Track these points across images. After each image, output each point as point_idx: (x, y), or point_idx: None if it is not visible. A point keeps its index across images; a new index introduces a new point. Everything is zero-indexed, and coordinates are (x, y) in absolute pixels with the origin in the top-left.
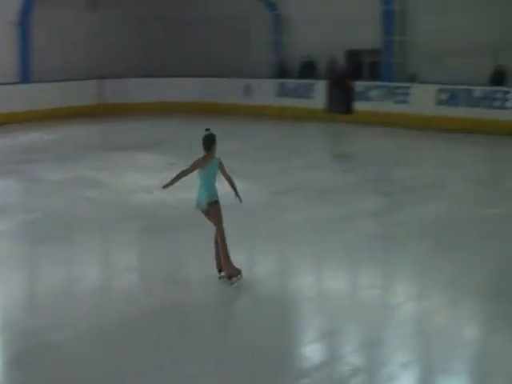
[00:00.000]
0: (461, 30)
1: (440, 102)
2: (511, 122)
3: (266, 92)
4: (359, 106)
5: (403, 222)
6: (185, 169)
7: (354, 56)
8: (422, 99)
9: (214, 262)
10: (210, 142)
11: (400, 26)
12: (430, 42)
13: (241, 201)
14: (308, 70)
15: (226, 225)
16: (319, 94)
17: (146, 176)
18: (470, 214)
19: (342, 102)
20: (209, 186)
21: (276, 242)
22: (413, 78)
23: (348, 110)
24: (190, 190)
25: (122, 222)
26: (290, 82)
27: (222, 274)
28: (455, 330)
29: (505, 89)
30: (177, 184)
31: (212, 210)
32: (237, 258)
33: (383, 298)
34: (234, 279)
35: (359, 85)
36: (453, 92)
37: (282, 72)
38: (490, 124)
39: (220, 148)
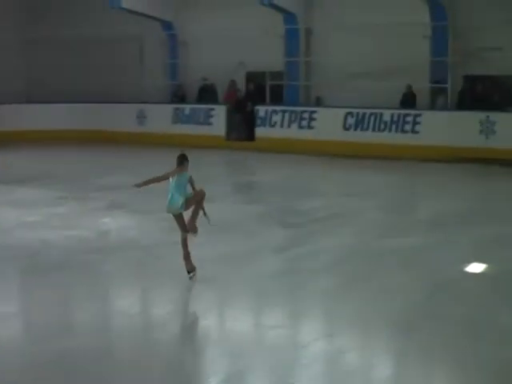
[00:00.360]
0: (369, 51)
1: (348, 127)
2: (423, 146)
3: (161, 118)
4: (262, 132)
5: (311, 255)
6: (159, 175)
7: (255, 78)
8: (329, 124)
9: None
10: (182, 158)
11: (305, 47)
12: (337, 64)
13: (209, 221)
14: (207, 94)
15: (120, 265)
16: (219, 119)
17: (29, 212)
18: (382, 245)
19: (242, 128)
20: (181, 193)
21: (174, 282)
22: (318, 102)
23: (249, 136)
24: (76, 228)
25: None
26: (188, 108)
27: (191, 275)
28: (367, 368)
29: (415, 112)
30: (60, 223)
31: (181, 216)
32: (131, 300)
33: (291, 337)
34: (191, 274)
35: (261, 109)
36: (361, 116)
37: (178, 97)
38: (400, 149)
39: (108, 182)
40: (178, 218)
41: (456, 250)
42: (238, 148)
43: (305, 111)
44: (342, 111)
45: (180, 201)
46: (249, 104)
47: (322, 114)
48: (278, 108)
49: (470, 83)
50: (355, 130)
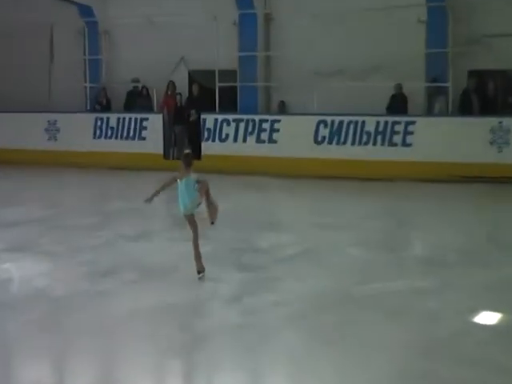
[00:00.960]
0: (347, 42)
1: (320, 140)
2: (416, 163)
3: (78, 132)
4: (210, 148)
5: (274, 306)
6: (166, 181)
7: (201, 79)
8: (296, 136)
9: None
10: (191, 158)
11: (264, 39)
12: (305, 60)
13: (213, 223)
14: (138, 99)
15: (29, 317)
16: (154, 133)
17: None
18: (364, 291)
19: (184, 143)
20: (193, 192)
21: (95, 341)
22: (282, 108)
23: (194, 154)
24: None
25: None
26: (113, 118)
27: (201, 275)
28: None
29: (407, 118)
30: None
31: (193, 216)
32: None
33: None
34: (201, 274)
35: (209, 119)
36: (337, 125)
37: (101, 104)
38: (388, 167)
39: (7, 216)
40: (191, 217)
41: (457, 296)
42: (177, 170)
43: (265, 120)
44: (313, 120)
45: (196, 199)
46: (192, 112)
47: (286, 123)
48: (230, 117)
49: (477, 80)
50: (330, 143)
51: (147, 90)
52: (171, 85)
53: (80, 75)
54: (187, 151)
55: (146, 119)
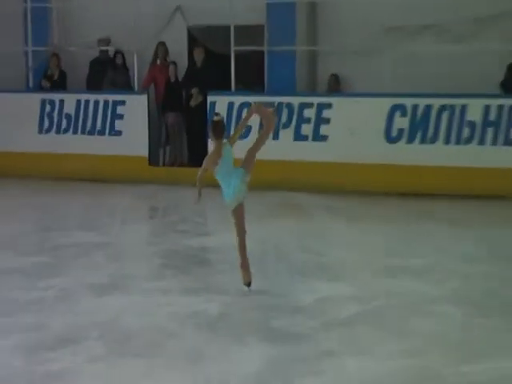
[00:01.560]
0: None
1: (395, 136)
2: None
3: (15, 123)
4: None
5: None
6: (200, 172)
7: (209, 40)
8: (357, 129)
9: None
10: (222, 125)
11: None
12: (369, 11)
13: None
14: (110, 72)
15: None
16: (134, 124)
17: None
18: (461, 376)
19: (181, 141)
20: (235, 170)
21: None
22: (335, 85)
23: (194, 158)
24: None
25: None
26: (71, 100)
27: (249, 289)
28: None
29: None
30: None
31: (242, 206)
32: None
33: None
34: (249, 288)
35: (220, 102)
36: (423, 112)
37: (49, 78)
38: (501, 177)
39: None
40: (239, 209)
41: None
42: (172, 181)
43: (307, 105)
44: (384, 103)
45: (243, 180)
46: (194, 92)
47: (341, 109)
48: (253, 99)
49: None
50: (410, 141)
51: (123, 56)
52: (161, 49)
53: (17, 33)
54: (218, 117)
55: (122, 103)
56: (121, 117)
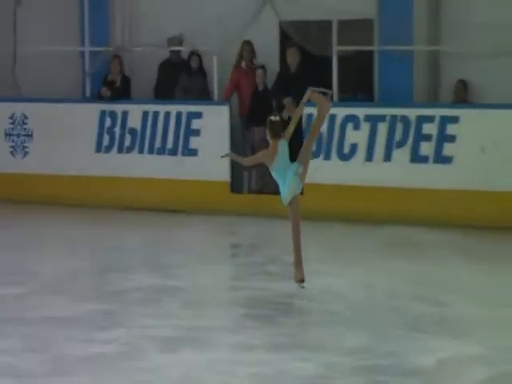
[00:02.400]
0: None
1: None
2: None
3: (68, 139)
4: (318, 172)
5: None
6: (246, 159)
7: (305, 39)
8: (493, 148)
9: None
10: (280, 128)
11: None
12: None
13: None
14: (182, 78)
15: None
16: (212, 141)
17: None
18: None
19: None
20: (291, 165)
21: None
22: (462, 94)
23: None
24: None
25: None
26: (135, 112)
27: (303, 285)
28: None
29: None
30: None
31: (296, 199)
32: None
33: None
34: (303, 284)
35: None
36: None
37: (110, 86)
38: None
39: None
40: (294, 202)
41: None
42: (259, 212)
43: (428, 118)
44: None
45: (297, 172)
46: (287, 102)
47: (471, 124)
48: (360, 111)
49: None
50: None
51: (200, 58)
52: (247, 50)
53: (71, 31)
54: (274, 117)
55: (198, 116)
56: (196, 133)
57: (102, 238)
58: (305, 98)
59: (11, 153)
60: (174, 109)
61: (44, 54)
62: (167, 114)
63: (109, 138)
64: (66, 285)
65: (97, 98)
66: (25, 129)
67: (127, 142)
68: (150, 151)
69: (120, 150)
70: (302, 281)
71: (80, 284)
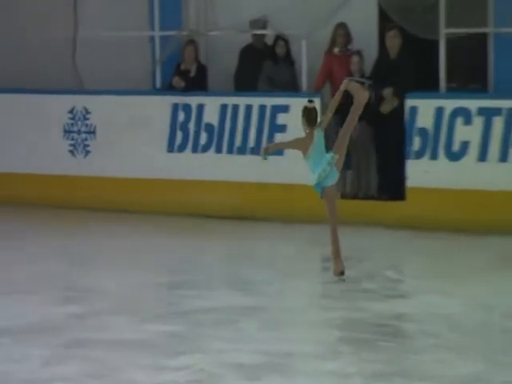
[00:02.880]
0: None
1: None
2: None
3: (135, 136)
4: (425, 173)
5: None
6: (285, 142)
7: (406, 20)
8: None
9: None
10: (316, 115)
11: None
12: None
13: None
14: (266, 65)
15: None
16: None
17: None
18: None
19: (368, 160)
20: (326, 159)
21: None
22: None
23: (390, 186)
24: None
25: None
26: (212, 105)
27: (343, 277)
28: None
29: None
30: None
31: (332, 190)
32: None
33: None
34: (343, 276)
35: (424, 108)
36: None
37: (184, 75)
38: None
39: None
40: (329, 193)
41: None
42: (354, 220)
43: None
44: None
45: (330, 161)
46: (387, 94)
47: None
48: (472, 103)
49: None
50: None
51: (286, 44)
52: (340, 33)
53: (140, 13)
54: (310, 104)
55: (285, 109)
56: (282, 129)
57: (172, 249)
58: (342, 87)
59: (71, 152)
60: (256, 101)
61: (108, 39)
62: (249, 108)
63: (182, 136)
64: (131, 303)
65: (168, 89)
66: (86, 125)
67: (203, 140)
68: (229, 150)
69: (195, 149)
70: (342, 273)
71: (146, 302)
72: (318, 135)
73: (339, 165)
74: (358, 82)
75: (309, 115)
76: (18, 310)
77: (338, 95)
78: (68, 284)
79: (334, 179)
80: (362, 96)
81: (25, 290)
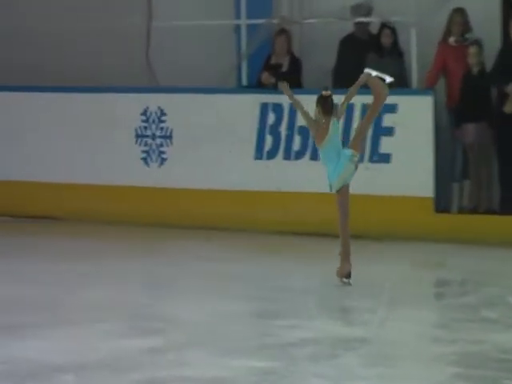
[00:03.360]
0: None
1: None
2: None
3: (217, 141)
4: None
5: None
6: (305, 111)
7: None
8: None
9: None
10: (332, 103)
11: None
12: None
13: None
14: (370, 58)
15: None
16: (410, 144)
17: None
18: None
19: (487, 169)
20: (346, 156)
21: None
22: None
23: None
24: None
25: None
26: (308, 103)
27: (348, 280)
28: None
29: None
30: None
31: (347, 188)
32: None
33: None
34: (347, 280)
35: None
36: None
37: (274, 70)
38: None
39: None
40: (345, 190)
41: None
42: (473, 238)
43: None
44: None
45: (352, 160)
46: None
47: None
48: None
49: None
50: None
51: (393, 33)
52: (457, 21)
53: (221, 2)
54: (326, 92)
55: (392, 109)
56: (389, 131)
57: (261, 270)
58: (360, 81)
59: (144, 160)
60: (358, 100)
61: (186, 29)
62: (349, 107)
63: (272, 141)
64: (215, 335)
65: (256, 86)
66: (162, 128)
67: (296, 146)
68: None
69: (287, 156)
70: (348, 276)
71: (234, 334)
72: (334, 126)
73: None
74: (379, 78)
75: (324, 104)
76: (83, 341)
77: (355, 88)
78: (142, 312)
79: (350, 178)
80: (381, 95)
81: (92, 318)
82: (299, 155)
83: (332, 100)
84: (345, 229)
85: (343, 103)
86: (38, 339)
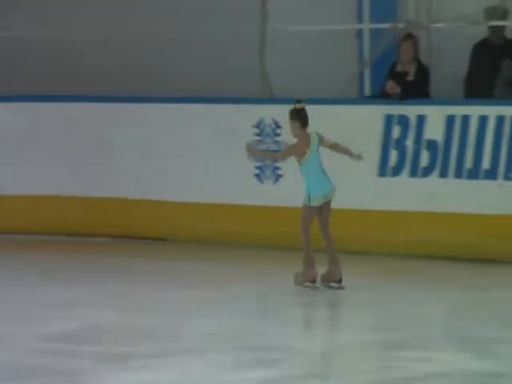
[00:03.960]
0: None
1: None
2: None
3: (335, 156)
4: None
5: None
6: (277, 154)
7: None
8: None
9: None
10: (306, 114)
11: None
12: None
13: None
14: (505, 63)
15: None
16: None
17: None
18: None
19: None
20: (324, 172)
21: None
22: None
23: None
24: None
25: None
26: (437, 114)
27: (337, 285)
28: None
29: None
30: None
31: (329, 205)
32: None
33: None
34: (337, 285)
35: None
36: None
37: (401, 77)
38: None
39: None
40: (326, 208)
41: None
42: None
43: None
44: None
45: (332, 189)
46: None
47: None
48: None
49: None
50: None
51: None
52: None
53: (342, 3)
54: (299, 104)
55: None
56: None
57: (381, 298)
58: (328, 143)
59: (257, 176)
60: (493, 111)
61: (303, 35)
62: (483, 120)
63: (397, 155)
64: (333, 367)
65: (380, 96)
66: (277, 142)
67: (424, 161)
68: (458, 174)
69: (413, 173)
70: (314, 281)
71: (353, 366)
72: (314, 140)
73: None
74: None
75: (302, 117)
76: (187, 372)
77: (342, 151)
78: (251, 340)
79: (333, 194)
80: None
81: (196, 347)
82: (427, 172)
83: (306, 111)
84: (305, 237)
85: (332, 144)
86: (146, 370)
